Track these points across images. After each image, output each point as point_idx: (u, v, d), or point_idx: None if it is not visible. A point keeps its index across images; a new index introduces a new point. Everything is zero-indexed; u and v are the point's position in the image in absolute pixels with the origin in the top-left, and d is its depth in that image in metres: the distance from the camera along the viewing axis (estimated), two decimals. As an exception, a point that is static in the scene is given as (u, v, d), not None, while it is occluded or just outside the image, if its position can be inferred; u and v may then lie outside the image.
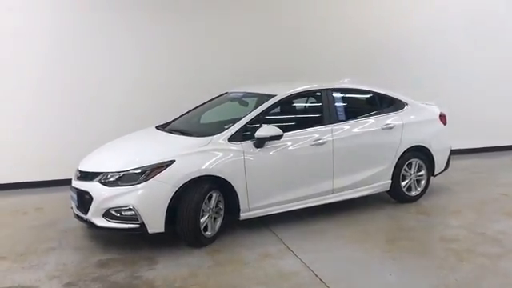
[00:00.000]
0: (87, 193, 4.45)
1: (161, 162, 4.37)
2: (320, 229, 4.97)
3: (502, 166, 7.85)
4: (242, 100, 5.70)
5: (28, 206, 5.93)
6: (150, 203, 4.27)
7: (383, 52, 8.20)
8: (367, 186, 5.50)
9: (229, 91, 6.03)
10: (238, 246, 4.55)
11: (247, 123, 4.83)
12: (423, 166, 5.89)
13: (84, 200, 4.50)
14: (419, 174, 5.89)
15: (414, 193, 5.86)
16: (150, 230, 4.30)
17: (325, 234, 4.82)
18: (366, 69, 7.98)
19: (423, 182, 5.92)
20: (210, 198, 4.56)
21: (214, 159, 4.53)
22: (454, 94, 8.44)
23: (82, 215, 4.57)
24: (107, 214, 4.34)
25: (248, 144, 4.73)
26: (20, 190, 6.72)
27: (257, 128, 4.75)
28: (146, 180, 4.28)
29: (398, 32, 8.27)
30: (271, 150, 4.82)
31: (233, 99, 5.82)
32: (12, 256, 4.38)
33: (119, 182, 4.34)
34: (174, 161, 4.39)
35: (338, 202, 5.34)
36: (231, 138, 4.71)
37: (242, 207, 4.72)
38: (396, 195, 5.79)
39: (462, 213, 5.44)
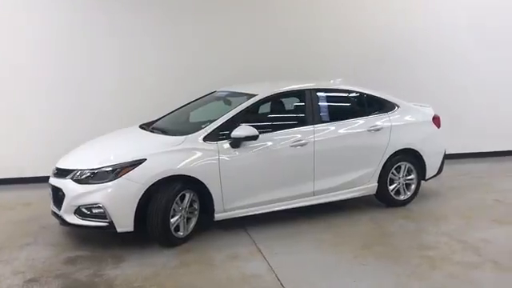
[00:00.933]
0: (60, 190, 4.48)
1: (132, 160, 4.36)
2: (298, 231, 4.87)
3: (504, 171, 7.57)
4: (227, 99, 5.63)
5: (17, 202, 6.03)
6: (118, 201, 4.26)
7: (386, 53, 8.04)
8: (351, 189, 5.37)
9: (217, 90, 5.98)
10: (209, 246, 4.50)
11: (224, 123, 4.77)
12: (413, 169, 5.72)
13: (58, 197, 4.53)
14: (409, 177, 5.72)
15: (402, 197, 5.70)
16: (119, 229, 4.29)
17: (301, 237, 4.72)
18: (368, 69, 7.88)
19: (413, 187, 5.75)
20: (183, 197, 4.52)
21: (186, 159, 4.49)
22: (458, 97, 8.28)
23: (57, 212, 4.60)
24: (78, 212, 4.36)
25: (224, 144, 4.67)
26: (13, 185, 6.86)
27: (235, 128, 4.69)
28: (115, 178, 4.27)
29: (402, 33, 8.08)
30: (249, 150, 4.75)
31: (218, 98, 5.77)
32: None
33: (90, 180, 4.34)
34: (146, 159, 4.37)
35: (324, 204, 5.25)
36: (206, 138, 4.65)
37: (216, 208, 4.66)
38: (383, 199, 5.64)
39: (449, 219, 5.26)
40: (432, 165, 5.88)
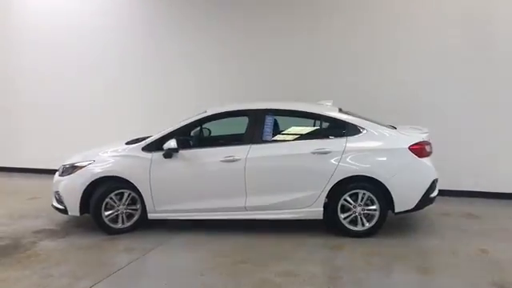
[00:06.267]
0: (54, 179, 6.06)
1: (85, 161, 5.61)
2: (211, 240, 5.25)
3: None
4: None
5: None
6: (69, 191, 5.58)
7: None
8: (290, 210, 5.35)
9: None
10: (132, 239, 5.34)
11: (163, 136, 5.52)
12: (375, 199, 5.26)
13: (56, 185, 6.12)
14: (370, 208, 5.29)
15: (359, 227, 5.31)
16: (70, 213, 5.60)
17: (206, 246, 5.08)
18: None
19: (375, 219, 5.29)
20: (123, 195, 5.52)
21: (121, 163, 5.50)
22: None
23: (57, 196, 6.20)
24: (54, 196, 5.84)
25: (158, 154, 5.46)
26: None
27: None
28: (71, 173, 5.60)
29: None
30: (179, 161, 5.42)
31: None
32: (15, 216, 6.33)
33: (62, 173, 5.77)
34: (94, 161, 5.56)
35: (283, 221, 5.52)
36: (145, 148, 5.53)
37: (148, 208, 5.49)
38: (334, 227, 5.38)
39: (380, 257, 4.70)
40: (404, 197, 5.25)
